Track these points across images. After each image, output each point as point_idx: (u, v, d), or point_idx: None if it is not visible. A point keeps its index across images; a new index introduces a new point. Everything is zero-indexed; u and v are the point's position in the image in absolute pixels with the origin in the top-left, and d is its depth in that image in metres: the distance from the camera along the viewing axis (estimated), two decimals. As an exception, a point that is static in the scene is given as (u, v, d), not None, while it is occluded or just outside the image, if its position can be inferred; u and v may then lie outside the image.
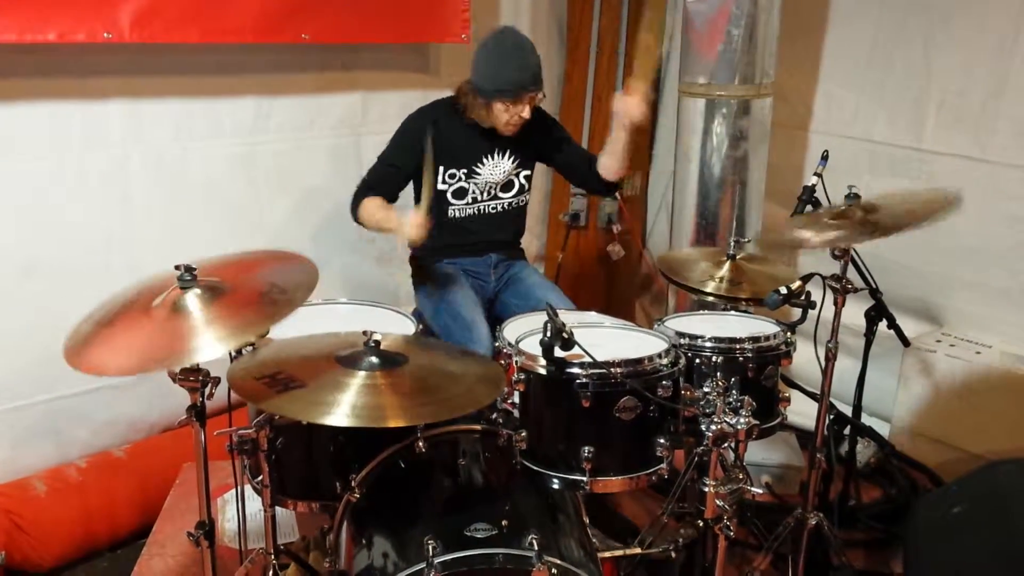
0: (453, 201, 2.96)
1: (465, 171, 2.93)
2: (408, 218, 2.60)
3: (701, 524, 2.10)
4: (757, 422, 1.94)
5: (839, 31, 3.60)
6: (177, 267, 1.85)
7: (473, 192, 2.96)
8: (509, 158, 2.98)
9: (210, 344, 1.70)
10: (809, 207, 2.58)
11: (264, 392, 1.75)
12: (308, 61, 3.35)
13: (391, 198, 2.92)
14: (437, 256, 3.04)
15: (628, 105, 2.78)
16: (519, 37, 2.84)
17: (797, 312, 2.30)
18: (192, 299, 1.79)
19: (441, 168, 2.91)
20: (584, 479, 2.01)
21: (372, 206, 2.81)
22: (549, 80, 4.20)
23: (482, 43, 2.84)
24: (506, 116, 2.82)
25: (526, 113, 2.81)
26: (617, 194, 4.37)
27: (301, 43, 3.16)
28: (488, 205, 3.00)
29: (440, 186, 2.93)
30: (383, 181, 2.90)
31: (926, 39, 3.30)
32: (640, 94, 2.78)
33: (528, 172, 3.06)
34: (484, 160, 2.95)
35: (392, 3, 3.35)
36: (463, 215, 2.99)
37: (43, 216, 2.84)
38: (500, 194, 3.01)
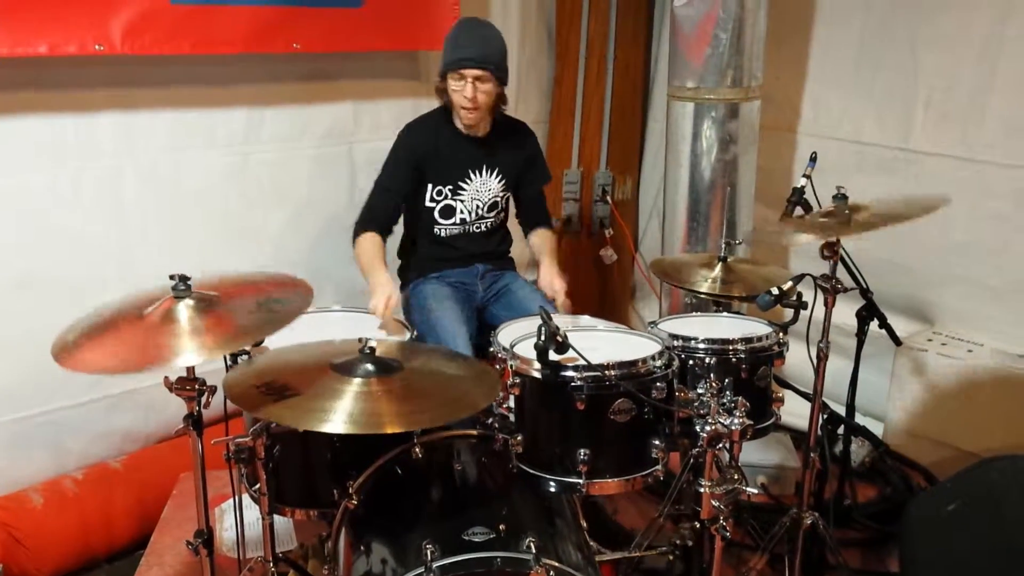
0: (440, 220, 2.97)
1: (451, 188, 2.93)
2: (383, 295, 2.58)
3: (697, 525, 2.11)
4: (751, 423, 1.95)
5: (826, 32, 3.62)
6: (172, 277, 1.86)
7: (461, 213, 2.97)
8: (496, 177, 2.99)
9: (194, 351, 1.74)
10: (799, 209, 2.60)
11: (260, 400, 1.76)
12: (299, 70, 3.36)
13: (392, 222, 2.97)
14: (424, 269, 3.03)
15: (555, 284, 2.91)
16: (481, 21, 2.89)
17: (789, 313, 2.32)
18: (183, 309, 1.83)
19: (429, 185, 2.92)
20: (580, 481, 2.02)
21: (367, 247, 2.85)
22: (539, 84, 4.24)
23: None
24: (456, 97, 2.82)
25: (468, 92, 2.77)
26: (608, 199, 4.40)
27: (292, 52, 3.17)
28: (474, 225, 3.02)
29: (428, 203, 2.94)
30: (381, 209, 2.94)
31: (912, 39, 3.32)
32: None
33: (509, 195, 3.10)
34: (471, 176, 2.95)
35: (382, 11, 3.36)
36: (449, 234, 2.99)
37: (39, 228, 2.85)
38: (486, 215, 3.02)
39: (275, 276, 2.10)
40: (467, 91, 2.77)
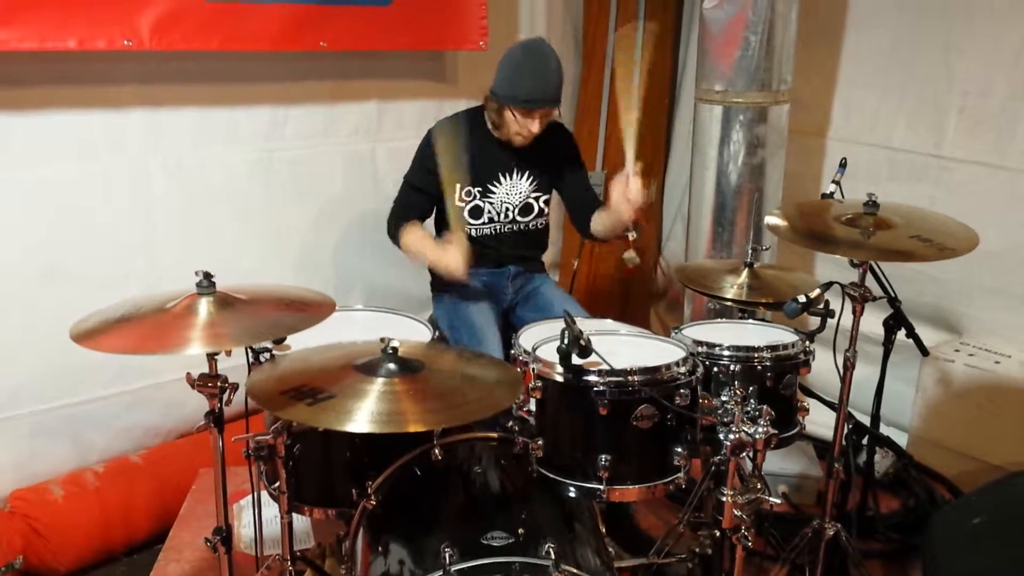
0: (470, 220, 2.96)
1: (480, 189, 2.92)
2: (450, 255, 2.63)
3: (718, 534, 2.09)
4: (776, 431, 1.92)
5: (857, 36, 3.58)
6: (197, 273, 1.87)
7: (489, 212, 2.95)
8: (527, 179, 2.97)
9: (207, 341, 1.78)
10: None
11: (281, 400, 1.76)
12: (325, 68, 3.36)
13: (425, 218, 2.97)
14: None
15: (632, 194, 2.72)
16: (545, 50, 2.80)
17: (814, 320, 2.29)
18: (205, 304, 1.86)
19: (458, 186, 2.91)
20: (601, 487, 1.99)
21: (413, 236, 2.85)
22: (564, 87, 4.21)
23: (510, 49, 2.84)
24: (515, 127, 2.80)
25: (535, 128, 2.79)
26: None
27: (319, 50, 3.17)
28: (506, 226, 3.00)
29: (457, 203, 2.93)
30: (411, 205, 2.95)
31: (945, 44, 3.27)
32: (642, 180, 2.75)
33: (547, 197, 3.05)
34: (501, 179, 2.94)
35: (410, 10, 3.35)
36: (480, 234, 2.98)
37: (64, 222, 2.87)
38: (519, 217, 3.00)
39: (301, 297, 2.09)
40: (534, 127, 2.79)
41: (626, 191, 2.73)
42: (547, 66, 2.77)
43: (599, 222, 3.00)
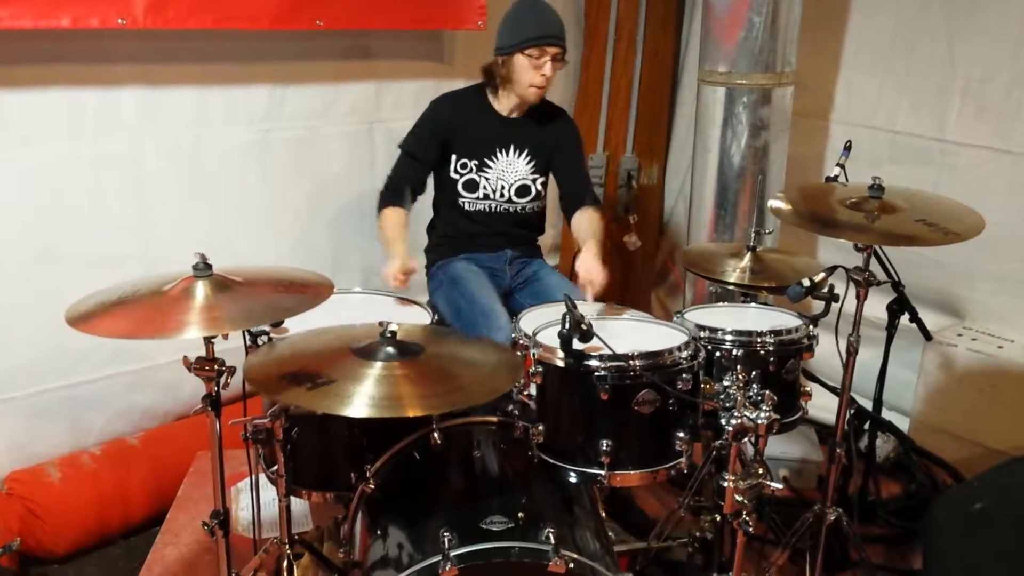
0: (464, 193, 2.93)
1: (476, 163, 2.91)
2: (395, 262, 2.57)
3: (719, 519, 2.08)
4: (778, 416, 1.91)
5: (861, 19, 3.55)
6: (195, 255, 1.85)
7: (484, 188, 2.93)
8: (524, 158, 2.94)
9: (204, 325, 1.75)
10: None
11: (280, 385, 1.75)
12: (322, 48, 3.33)
13: (418, 191, 2.94)
14: (452, 249, 3.00)
15: (592, 274, 2.58)
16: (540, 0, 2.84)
17: (818, 305, 2.27)
18: (202, 287, 1.83)
19: (454, 157, 2.90)
20: (602, 472, 1.98)
21: (389, 222, 2.82)
22: (566, 67, 4.17)
23: (505, 13, 2.85)
24: (529, 75, 2.78)
25: (548, 69, 2.77)
26: (634, 184, 4.34)
27: (316, 30, 3.13)
28: (501, 205, 2.97)
29: (452, 175, 2.92)
30: (406, 176, 2.92)
31: (949, 28, 3.25)
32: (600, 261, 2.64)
33: (544, 179, 3.02)
34: (498, 154, 2.91)
35: (408, -11, 3.32)
36: (473, 209, 2.96)
37: (59, 203, 2.84)
38: (515, 198, 2.96)
39: (299, 279, 2.06)
40: (547, 68, 2.77)
41: (590, 271, 2.58)
42: (546, 9, 2.81)
43: (576, 231, 2.96)
